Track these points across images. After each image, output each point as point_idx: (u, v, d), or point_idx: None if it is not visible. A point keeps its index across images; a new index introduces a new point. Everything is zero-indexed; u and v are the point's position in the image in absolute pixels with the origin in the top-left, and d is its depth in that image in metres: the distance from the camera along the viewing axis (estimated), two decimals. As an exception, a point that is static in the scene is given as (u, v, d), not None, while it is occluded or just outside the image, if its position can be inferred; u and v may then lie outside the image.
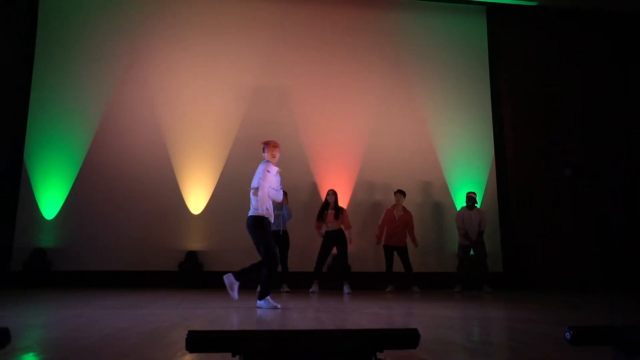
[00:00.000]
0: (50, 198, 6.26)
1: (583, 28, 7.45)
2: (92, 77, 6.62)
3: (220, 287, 5.80)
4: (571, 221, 6.91)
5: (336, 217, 5.81)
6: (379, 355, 1.27)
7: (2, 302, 4.04)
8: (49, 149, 6.38)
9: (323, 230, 5.83)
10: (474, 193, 6.39)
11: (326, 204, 5.88)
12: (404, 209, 6.19)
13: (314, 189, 6.70)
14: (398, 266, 6.10)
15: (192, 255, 6.28)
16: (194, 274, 6.18)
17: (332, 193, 5.92)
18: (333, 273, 6.11)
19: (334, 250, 5.87)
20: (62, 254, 6.09)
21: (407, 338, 1.32)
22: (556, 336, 2.42)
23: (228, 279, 3.79)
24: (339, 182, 6.72)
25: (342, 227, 5.84)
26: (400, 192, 6.20)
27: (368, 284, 6.23)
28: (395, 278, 6.03)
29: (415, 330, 1.31)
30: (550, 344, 2.22)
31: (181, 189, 6.53)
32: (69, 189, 6.31)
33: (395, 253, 6.09)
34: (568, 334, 1.33)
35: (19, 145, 6.33)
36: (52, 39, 6.64)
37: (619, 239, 6.80)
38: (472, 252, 6.27)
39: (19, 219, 6.15)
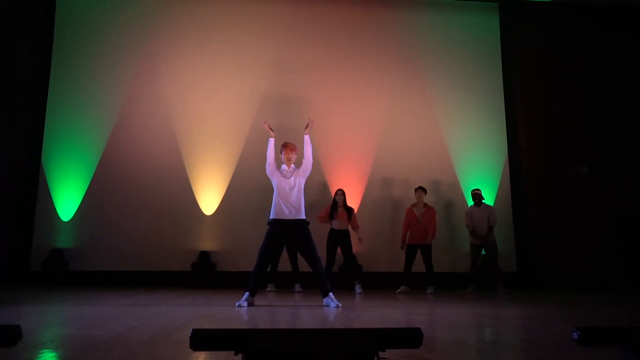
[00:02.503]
0: (67, 200, 6.40)
1: (598, 23, 7.29)
2: (107, 81, 6.74)
3: (232, 286, 5.89)
4: (587, 220, 6.77)
5: (349, 217, 5.80)
6: (382, 354, 1.27)
7: (22, 301, 4.15)
8: (65, 153, 6.52)
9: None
10: (479, 190, 6.32)
11: (335, 204, 5.88)
12: (426, 205, 6.07)
13: (325, 188, 6.70)
14: (415, 267, 6.01)
15: (204, 256, 6.35)
16: (206, 274, 6.25)
17: (341, 193, 5.91)
18: (344, 273, 6.10)
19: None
20: (79, 254, 6.21)
21: (410, 337, 1.31)
22: (568, 336, 2.38)
23: (330, 303, 3.84)
24: (350, 182, 6.71)
25: (350, 227, 5.81)
26: (421, 189, 6.08)
27: (380, 284, 6.21)
28: (411, 279, 5.92)
29: (418, 329, 1.31)
30: (562, 344, 2.19)
31: (194, 190, 6.61)
32: (85, 191, 6.44)
33: (418, 252, 5.96)
34: (575, 334, 1.31)
35: (37, 149, 6.49)
36: (69, 44, 6.78)
37: (638, 238, 6.64)
38: (483, 252, 6.20)
39: (37, 220, 6.30)
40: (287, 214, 3.94)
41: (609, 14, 7.30)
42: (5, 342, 1.20)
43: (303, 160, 4.08)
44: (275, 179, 4.03)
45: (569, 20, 7.31)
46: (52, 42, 6.75)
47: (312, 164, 4.08)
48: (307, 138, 4.10)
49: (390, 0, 7.38)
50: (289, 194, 3.95)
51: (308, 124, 4.10)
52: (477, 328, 2.90)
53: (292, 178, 4.01)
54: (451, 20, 7.42)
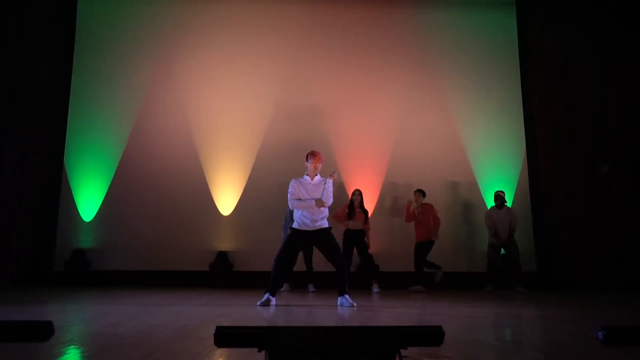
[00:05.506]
0: (88, 201, 6.54)
1: (618, 20, 7.11)
2: (126, 83, 6.86)
3: (250, 286, 5.94)
4: (609, 219, 6.60)
5: (365, 221, 5.80)
6: (403, 352, 1.28)
7: (47, 299, 4.26)
8: (87, 155, 6.66)
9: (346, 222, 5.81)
10: (502, 192, 6.23)
11: (352, 204, 5.87)
12: (423, 204, 6.04)
13: (341, 188, 6.70)
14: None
15: (222, 256, 6.42)
16: (224, 274, 6.31)
17: (359, 193, 5.90)
18: (361, 273, 6.09)
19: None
20: (100, 254, 6.34)
21: (432, 335, 1.32)
22: (589, 336, 2.35)
23: (344, 302, 3.84)
24: (366, 182, 6.70)
25: (363, 228, 5.81)
26: (418, 192, 6.07)
27: (397, 284, 6.18)
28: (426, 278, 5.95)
29: (440, 327, 1.31)
30: (583, 344, 2.16)
31: (211, 190, 6.68)
32: (105, 192, 6.57)
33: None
34: (600, 334, 1.29)
35: (59, 151, 6.65)
36: (89, 48, 6.92)
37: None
38: (502, 252, 6.12)
39: (60, 221, 6.45)
40: (311, 225, 3.97)
41: (630, 10, 7.12)
42: (39, 337, 1.25)
43: (327, 198, 4.01)
44: (299, 195, 3.99)
45: (588, 16, 7.15)
46: (73, 46, 6.91)
47: (305, 205, 4.00)
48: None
49: (405, 0, 7.34)
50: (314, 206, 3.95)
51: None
52: (496, 327, 2.88)
53: (320, 190, 4.00)
54: (466, 18, 7.34)
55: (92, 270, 6.27)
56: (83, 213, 6.50)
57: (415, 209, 6.00)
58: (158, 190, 6.55)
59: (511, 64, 7.26)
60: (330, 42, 7.12)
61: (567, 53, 7.10)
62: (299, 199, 3.97)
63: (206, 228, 6.54)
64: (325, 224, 4.03)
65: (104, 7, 7.08)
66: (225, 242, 6.53)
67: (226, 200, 6.67)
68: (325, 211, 4.05)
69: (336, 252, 3.96)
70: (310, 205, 3.93)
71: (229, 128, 6.82)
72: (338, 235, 5.77)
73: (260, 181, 6.58)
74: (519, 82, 7.22)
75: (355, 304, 3.82)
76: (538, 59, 7.23)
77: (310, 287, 5.77)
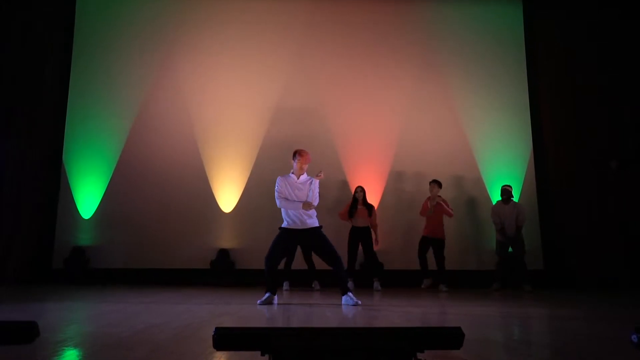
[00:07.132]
0: (87, 198, 6.45)
1: (628, 13, 6.98)
2: (126, 80, 6.76)
3: (251, 284, 5.85)
4: (618, 216, 6.49)
5: (369, 214, 5.71)
6: (420, 355, 1.17)
7: (45, 298, 4.18)
8: (86, 151, 6.57)
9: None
10: (509, 186, 6.11)
11: (355, 201, 5.78)
12: (438, 197, 5.95)
13: (345, 185, 6.60)
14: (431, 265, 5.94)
15: (223, 253, 6.33)
16: (225, 272, 6.23)
17: (361, 190, 5.82)
18: (365, 270, 6.00)
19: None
20: (99, 251, 6.25)
21: (451, 337, 1.22)
22: (600, 336, 2.26)
23: (348, 301, 3.75)
24: (370, 178, 6.60)
25: (369, 225, 5.72)
26: (435, 182, 5.99)
27: (399, 281, 6.09)
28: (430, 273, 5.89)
29: (459, 329, 1.22)
30: (593, 343, 2.06)
31: (212, 187, 6.59)
32: (104, 190, 6.48)
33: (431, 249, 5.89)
34: (635, 336, 1.18)
35: (58, 148, 6.56)
36: (88, 45, 6.82)
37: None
38: (510, 250, 6.01)
39: (59, 218, 6.37)
40: (300, 225, 3.90)
41: (638, 5, 6.98)
42: (23, 338, 1.15)
43: (314, 199, 3.97)
44: (285, 194, 3.94)
45: (596, 11, 7.01)
46: (72, 43, 6.81)
47: (292, 205, 3.94)
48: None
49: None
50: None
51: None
52: (509, 327, 2.77)
53: (306, 189, 3.95)
54: (472, 11, 7.22)
55: (92, 268, 6.18)
56: (82, 210, 6.41)
57: (429, 204, 5.90)
58: (158, 187, 6.46)
59: (517, 59, 7.14)
60: (334, 39, 7.01)
61: (575, 48, 6.97)
62: (286, 199, 3.92)
63: (207, 225, 6.45)
64: (315, 222, 3.94)
65: (103, 3, 6.97)
66: (226, 240, 6.44)
67: (227, 197, 6.58)
68: (314, 210, 3.98)
69: (328, 250, 3.86)
70: (297, 207, 3.89)
71: (231, 124, 6.72)
72: (345, 233, 5.75)
73: (262, 178, 6.47)
74: (526, 77, 7.10)
75: (360, 302, 3.72)
76: (545, 54, 7.10)
77: (316, 285, 5.70)
